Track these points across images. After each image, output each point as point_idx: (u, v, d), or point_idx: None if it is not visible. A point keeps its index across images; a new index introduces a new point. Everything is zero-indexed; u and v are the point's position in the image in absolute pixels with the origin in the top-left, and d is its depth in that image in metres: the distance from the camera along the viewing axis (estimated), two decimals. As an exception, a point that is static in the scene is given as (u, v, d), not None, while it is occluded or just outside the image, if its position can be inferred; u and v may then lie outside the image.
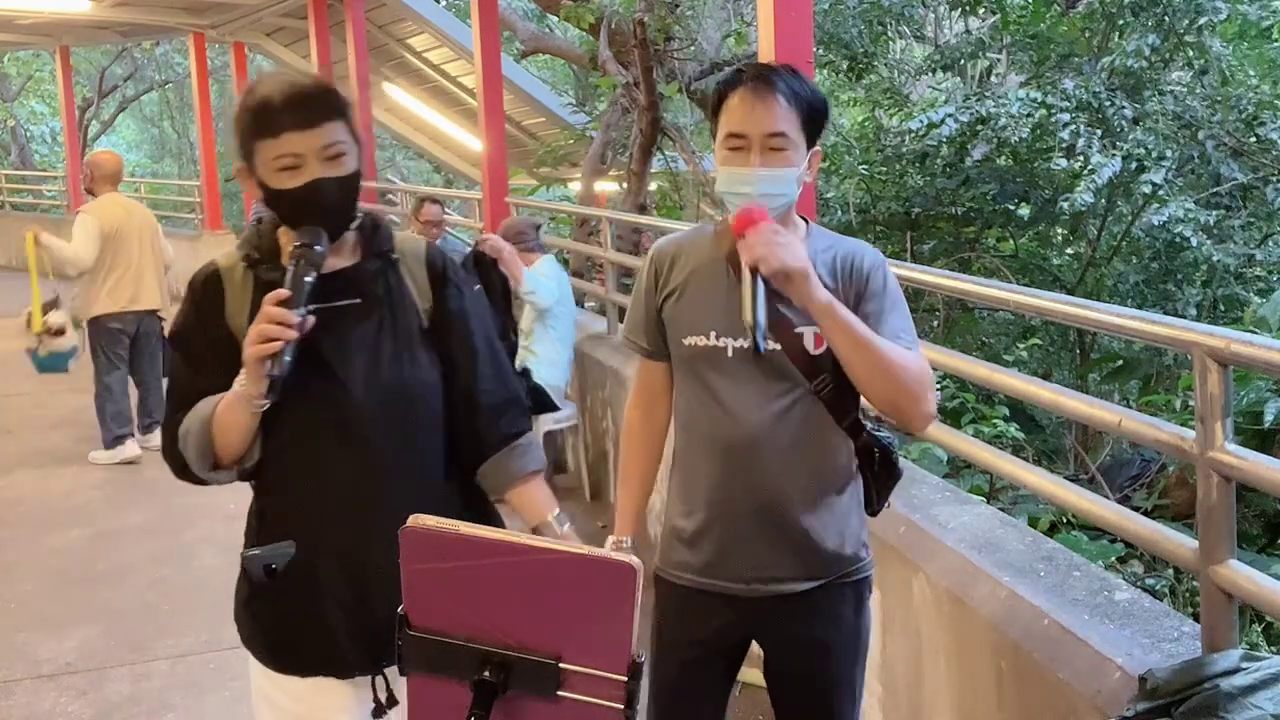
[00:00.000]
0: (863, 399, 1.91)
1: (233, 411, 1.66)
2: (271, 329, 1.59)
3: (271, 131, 1.64)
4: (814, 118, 1.88)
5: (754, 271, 1.75)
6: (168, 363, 1.92)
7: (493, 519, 1.92)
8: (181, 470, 1.76)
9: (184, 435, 1.71)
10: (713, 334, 1.92)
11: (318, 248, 1.66)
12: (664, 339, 2.01)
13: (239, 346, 1.65)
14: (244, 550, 1.77)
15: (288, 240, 1.74)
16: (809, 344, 1.87)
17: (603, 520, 5.07)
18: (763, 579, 1.94)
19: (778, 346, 1.87)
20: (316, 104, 1.66)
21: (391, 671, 1.75)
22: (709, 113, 1.97)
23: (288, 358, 1.60)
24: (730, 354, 1.91)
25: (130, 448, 6.35)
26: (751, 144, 1.84)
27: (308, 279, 1.64)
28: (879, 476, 2.00)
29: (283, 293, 1.62)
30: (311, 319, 1.63)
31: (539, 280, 5.27)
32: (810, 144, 1.90)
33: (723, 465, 1.94)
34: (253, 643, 1.84)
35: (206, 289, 1.76)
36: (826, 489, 1.94)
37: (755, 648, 2.08)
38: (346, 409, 1.71)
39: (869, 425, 1.97)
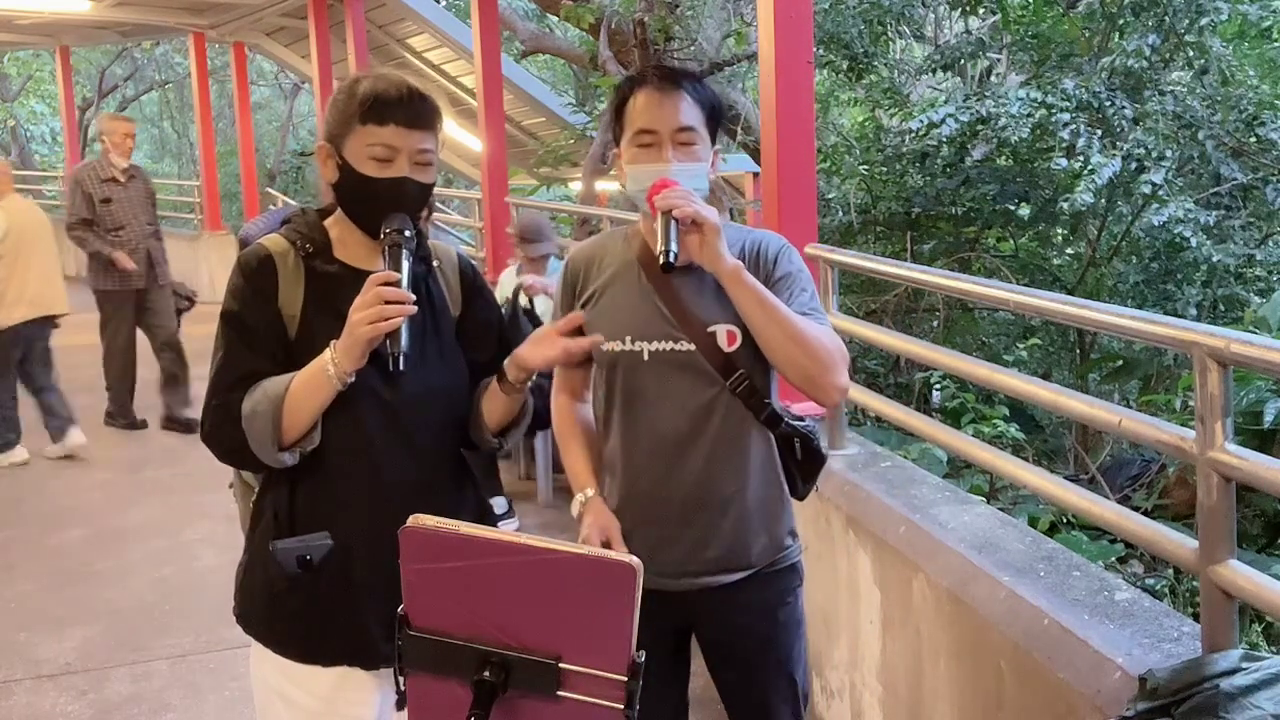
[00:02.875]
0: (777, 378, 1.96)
1: (317, 389, 1.68)
2: (389, 308, 1.63)
3: (379, 119, 1.70)
4: (715, 116, 1.95)
5: (667, 214, 1.80)
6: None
7: (487, 511, 1.97)
8: (231, 452, 1.74)
9: (251, 414, 1.69)
10: (628, 338, 1.94)
11: (408, 233, 1.73)
12: None
13: (286, 332, 1.73)
14: (273, 542, 1.76)
15: (339, 232, 1.81)
16: (722, 342, 1.91)
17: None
18: (691, 573, 1.97)
19: (692, 347, 1.91)
20: (425, 109, 1.74)
21: None
22: (611, 118, 2.01)
23: (405, 335, 1.65)
24: (646, 357, 1.93)
25: (19, 453, 6.31)
26: (662, 139, 1.88)
27: (407, 262, 1.71)
28: (801, 464, 2.04)
29: (391, 274, 1.67)
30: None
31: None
32: (713, 142, 1.95)
33: (647, 464, 1.97)
34: (275, 636, 1.82)
35: (261, 271, 1.77)
36: (749, 482, 1.97)
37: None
38: (396, 403, 1.76)
39: (786, 416, 2.00)
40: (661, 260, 1.79)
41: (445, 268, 1.90)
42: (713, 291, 1.92)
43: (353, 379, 1.67)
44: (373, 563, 1.74)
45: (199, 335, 7.83)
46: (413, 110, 1.72)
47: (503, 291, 5.31)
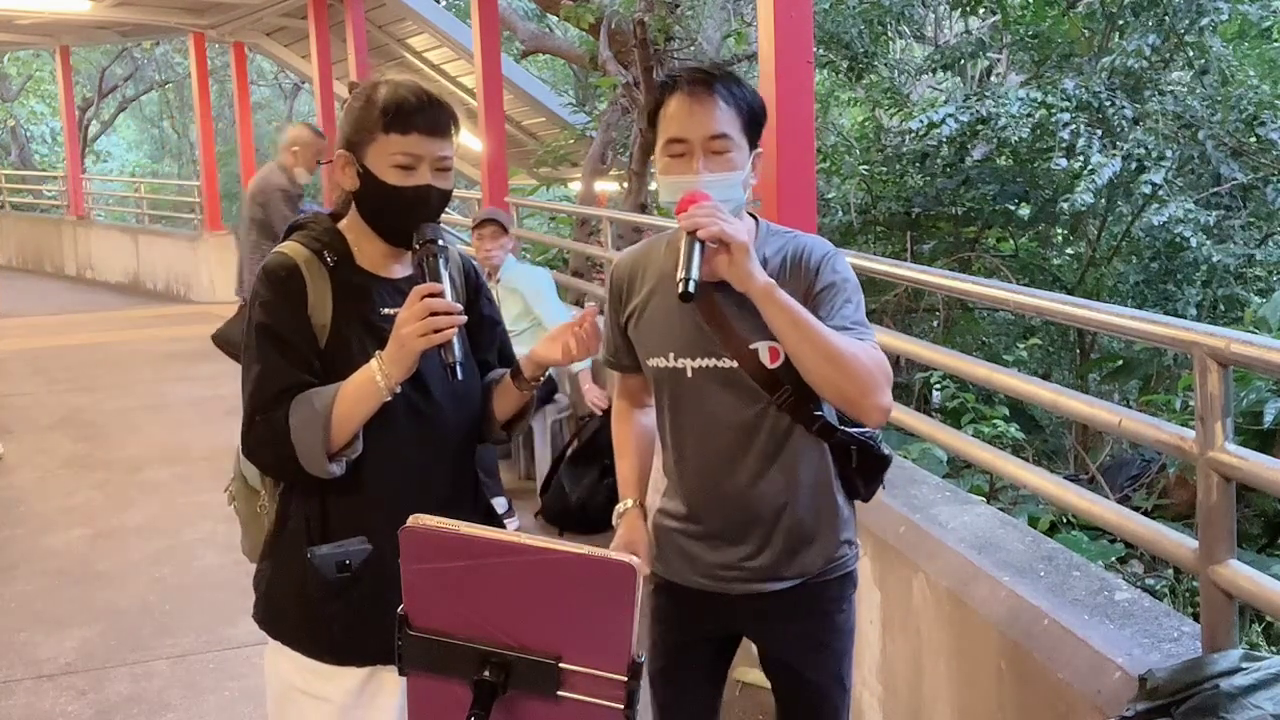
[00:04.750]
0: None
1: (365, 399, 1.69)
2: (441, 319, 1.65)
3: (402, 128, 1.71)
4: (754, 119, 1.86)
5: (691, 235, 1.72)
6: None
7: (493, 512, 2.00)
8: (277, 464, 1.74)
9: (300, 427, 1.69)
10: (671, 355, 1.91)
11: (440, 241, 1.75)
12: (634, 355, 2.02)
13: (316, 342, 1.74)
14: (311, 549, 1.76)
15: (356, 239, 1.82)
16: (765, 358, 1.85)
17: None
18: (744, 580, 1.96)
19: (735, 364, 1.86)
20: (445, 117, 1.76)
21: None
22: (647, 125, 1.96)
23: (457, 344, 1.68)
24: (690, 374, 1.90)
25: None
26: (693, 149, 1.80)
27: (445, 270, 1.73)
28: (861, 468, 2.00)
29: (436, 286, 1.69)
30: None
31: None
32: (752, 146, 1.86)
33: (696, 479, 1.95)
34: (307, 638, 1.82)
35: (291, 282, 1.77)
36: (800, 494, 1.94)
37: (754, 649, 2.09)
38: (429, 409, 1.79)
39: (841, 426, 1.95)
40: (680, 289, 1.70)
41: (453, 271, 1.90)
42: (754, 307, 1.83)
43: (399, 387, 1.70)
44: None
45: (196, 336, 7.84)
46: (433, 118, 1.73)
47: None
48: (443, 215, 1.84)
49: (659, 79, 1.94)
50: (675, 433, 1.97)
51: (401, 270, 1.84)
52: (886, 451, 2.04)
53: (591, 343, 1.80)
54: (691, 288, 1.69)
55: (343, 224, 1.84)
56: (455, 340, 1.68)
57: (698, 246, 1.71)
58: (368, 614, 1.77)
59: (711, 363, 1.88)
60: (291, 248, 1.80)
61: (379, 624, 1.76)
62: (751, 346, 1.85)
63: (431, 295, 1.67)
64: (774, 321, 1.76)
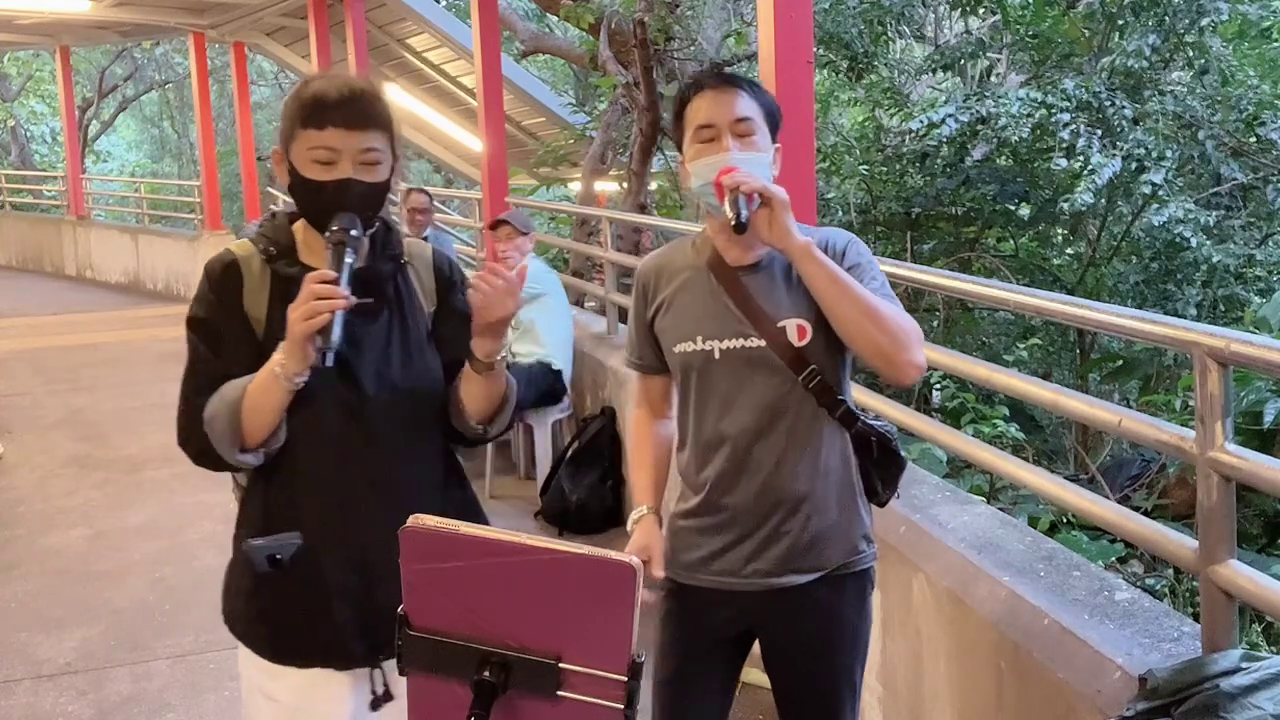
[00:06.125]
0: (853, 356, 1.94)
1: (268, 390, 1.68)
2: (320, 303, 1.62)
3: (317, 123, 1.70)
4: (773, 117, 1.96)
5: (734, 190, 1.80)
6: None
7: (477, 510, 1.95)
8: (202, 454, 1.76)
9: (211, 418, 1.70)
10: (700, 338, 1.95)
11: (354, 232, 1.71)
12: (658, 355, 2.06)
13: (254, 335, 1.73)
14: (246, 540, 1.77)
15: (304, 235, 1.80)
16: (792, 336, 1.91)
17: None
18: (761, 573, 1.96)
19: (763, 343, 1.91)
20: (366, 109, 1.72)
21: (390, 665, 1.77)
22: (673, 128, 2.02)
23: (337, 330, 1.62)
24: (717, 356, 1.94)
25: None
26: (721, 131, 1.90)
27: (349, 260, 1.69)
28: (880, 464, 2.02)
29: (328, 273, 1.66)
30: (353, 298, 1.66)
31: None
32: (772, 141, 1.96)
33: (721, 463, 1.96)
34: (251, 634, 1.84)
35: (226, 276, 1.78)
36: (824, 481, 1.96)
37: (756, 647, 2.08)
38: (359, 403, 1.76)
39: (863, 415, 1.99)
40: (734, 222, 1.78)
41: (418, 264, 1.88)
42: (782, 289, 1.93)
43: (303, 379, 1.66)
44: (341, 563, 1.75)
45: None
46: (352, 111, 1.70)
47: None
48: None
49: (686, 80, 1.99)
50: (700, 417, 1.98)
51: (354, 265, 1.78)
52: (903, 452, 2.06)
53: (495, 283, 1.69)
54: (744, 218, 1.78)
55: (299, 222, 1.83)
56: (336, 326, 1.61)
57: (741, 197, 1.80)
58: (303, 612, 1.77)
59: (740, 343, 1.92)
60: (240, 244, 1.82)
61: (316, 623, 1.77)
62: (779, 324, 1.91)
63: (323, 282, 1.63)
64: (814, 278, 1.83)
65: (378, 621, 1.69)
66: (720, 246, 1.98)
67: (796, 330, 1.90)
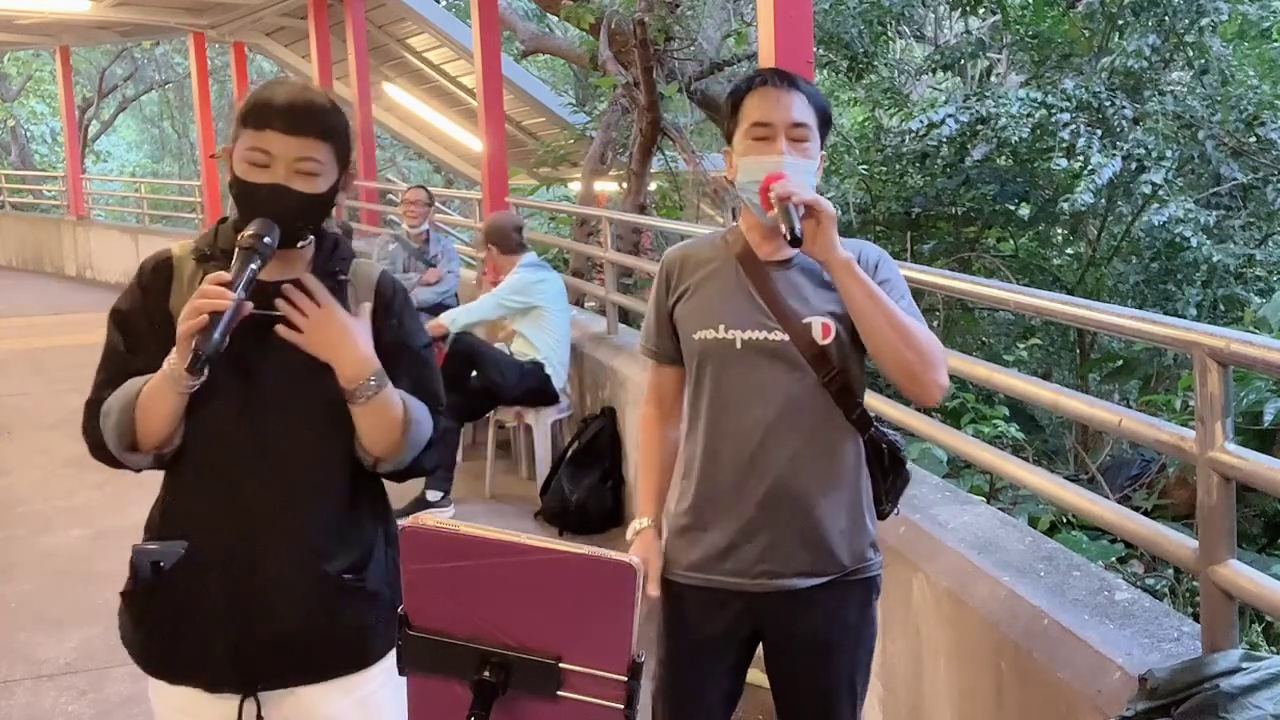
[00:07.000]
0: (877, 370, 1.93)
1: (159, 393, 1.63)
2: (203, 303, 1.56)
3: (257, 124, 1.66)
4: (825, 120, 1.98)
5: (783, 200, 1.82)
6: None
7: (382, 549, 1.82)
8: (98, 448, 1.72)
9: (105, 412, 1.67)
10: (722, 327, 1.95)
11: (266, 239, 1.64)
12: (675, 344, 2.05)
13: (174, 334, 1.64)
14: (134, 545, 1.72)
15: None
16: (816, 334, 1.91)
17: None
18: (769, 573, 1.95)
19: (786, 337, 1.91)
20: (310, 117, 1.67)
21: (266, 696, 1.71)
22: (725, 115, 2.02)
23: (218, 334, 1.55)
24: (739, 346, 1.94)
25: None
26: (777, 132, 1.90)
27: (252, 265, 1.62)
28: (887, 474, 2.03)
29: (223, 275, 1.60)
30: (250, 305, 1.60)
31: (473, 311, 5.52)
32: (820, 146, 1.97)
33: (733, 457, 1.95)
34: (128, 642, 1.78)
35: (156, 273, 1.76)
36: (836, 483, 1.96)
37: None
38: (259, 415, 1.69)
39: (876, 423, 2.00)
40: (789, 236, 1.79)
41: (360, 286, 1.80)
42: (810, 288, 1.94)
43: (192, 386, 1.61)
44: (227, 579, 1.69)
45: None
46: (295, 116, 1.65)
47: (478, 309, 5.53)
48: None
49: (738, 85, 2.00)
50: (714, 408, 1.97)
51: (284, 275, 1.70)
52: (910, 466, 2.07)
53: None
54: (799, 232, 1.79)
55: None
56: (216, 331, 1.54)
57: (792, 209, 1.81)
58: (179, 626, 1.70)
59: (762, 335, 1.93)
60: (180, 244, 1.81)
61: (188, 642, 1.69)
62: (805, 321, 1.92)
63: (218, 284, 1.58)
64: (852, 293, 1.85)
65: (254, 648, 1.66)
66: (754, 242, 1.98)
67: (821, 328, 1.91)
